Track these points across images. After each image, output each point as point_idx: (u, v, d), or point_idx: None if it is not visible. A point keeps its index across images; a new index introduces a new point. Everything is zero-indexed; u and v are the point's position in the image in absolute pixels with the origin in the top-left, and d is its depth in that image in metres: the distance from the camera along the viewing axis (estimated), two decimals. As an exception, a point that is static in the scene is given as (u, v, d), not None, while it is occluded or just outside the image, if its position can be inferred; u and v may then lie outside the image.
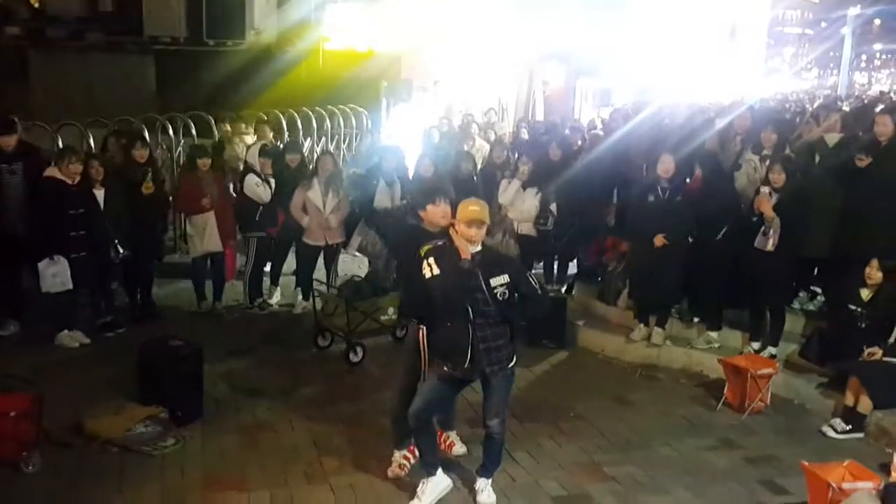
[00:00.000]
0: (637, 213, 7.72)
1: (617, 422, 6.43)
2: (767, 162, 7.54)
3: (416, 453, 5.35)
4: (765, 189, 6.96)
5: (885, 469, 5.02)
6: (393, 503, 5.09)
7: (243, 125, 9.90)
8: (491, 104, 15.99)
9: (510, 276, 4.79)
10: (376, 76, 16.57)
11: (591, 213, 8.87)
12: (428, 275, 4.78)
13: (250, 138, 9.77)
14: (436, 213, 5.14)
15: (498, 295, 4.74)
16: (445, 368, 4.90)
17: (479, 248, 4.81)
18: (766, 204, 6.89)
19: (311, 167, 9.01)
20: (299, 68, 17.52)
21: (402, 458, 5.44)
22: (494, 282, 4.74)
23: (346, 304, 7.43)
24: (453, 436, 5.75)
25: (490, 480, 5.16)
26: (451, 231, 4.85)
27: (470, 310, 4.74)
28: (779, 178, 6.94)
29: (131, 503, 4.97)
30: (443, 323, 4.87)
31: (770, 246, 6.92)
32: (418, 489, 5.05)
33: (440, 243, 4.95)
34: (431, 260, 4.79)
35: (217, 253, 8.56)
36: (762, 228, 6.94)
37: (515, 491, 5.28)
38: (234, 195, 8.88)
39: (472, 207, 4.80)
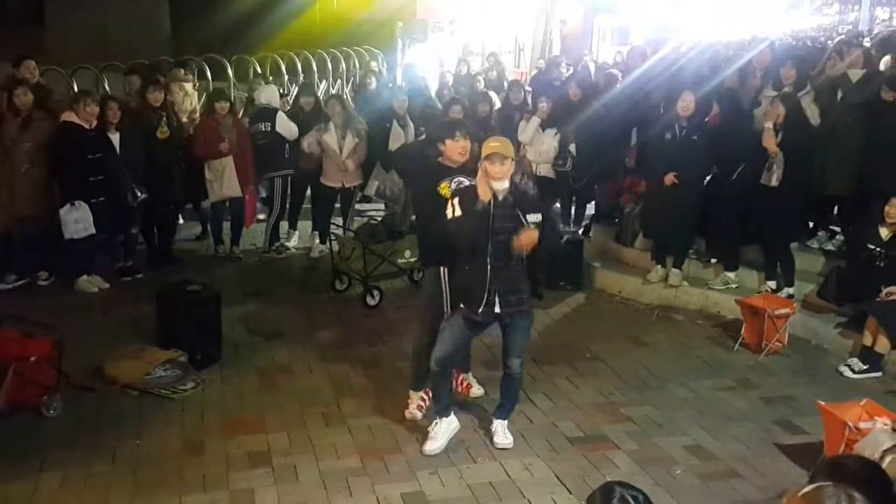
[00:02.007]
0: (653, 152, 7.63)
1: (633, 363, 6.44)
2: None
3: (430, 395, 5.39)
4: (768, 124, 6.84)
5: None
6: (411, 444, 5.14)
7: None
8: (494, 49, 15.64)
9: (543, 216, 4.77)
10: (391, 16, 16.35)
11: (610, 154, 8.76)
12: (449, 216, 4.73)
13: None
14: (455, 148, 5.08)
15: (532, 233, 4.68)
16: (463, 310, 4.90)
17: (506, 185, 4.70)
18: (770, 139, 6.77)
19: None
20: (313, 9, 17.32)
21: (420, 399, 5.49)
22: (532, 218, 4.69)
23: (362, 248, 7.42)
24: (470, 378, 5.78)
25: (507, 422, 5.20)
26: (480, 172, 4.76)
27: (489, 252, 4.71)
28: (778, 112, 6.82)
29: (151, 446, 5.05)
30: (462, 265, 4.86)
31: (774, 181, 6.84)
32: (431, 430, 5.10)
33: (466, 183, 4.91)
34: (456, 201, 4.72)
35: (236, 198, 8.55)
36: (766, 164, 6.84)
37: (533, 432, 5.31)
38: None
39: (493, 143, 4.71)
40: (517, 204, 4.71)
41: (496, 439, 5.14)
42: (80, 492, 4.58)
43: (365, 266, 7.41)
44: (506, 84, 11.26)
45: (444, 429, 5.09)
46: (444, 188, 5.08)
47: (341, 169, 8.53)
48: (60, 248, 7.54)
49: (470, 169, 5.04)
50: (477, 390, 5.74)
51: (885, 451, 4.24)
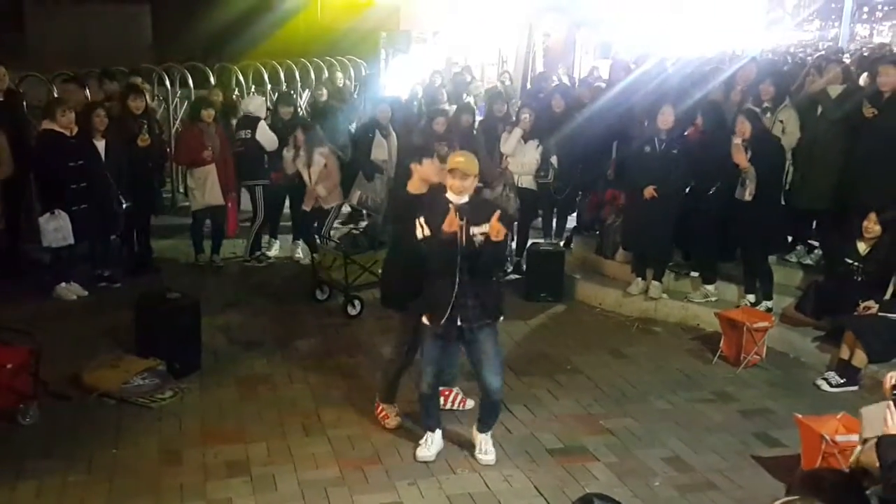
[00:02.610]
0: (633, 165, 7.69)
1: (613, 375, 6.46)
2: (768, 115, 7.47)
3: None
4: (737, 140, 6.93)
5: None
6: (390, 455, 5.13)
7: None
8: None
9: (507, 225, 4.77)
10: (375, 27, 16.37)
11: (591, 167, 8.82)
12: (420, 236, 4.76)
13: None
14: (430, 169, 5.06)
15: (476, 243, 4.68)
16: (429, 323, 4.89)
17: (465, 199, 4.75)
18: (740, 154, 6.85)
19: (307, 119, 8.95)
20: (297, 19, 17.32)
21: (395, 410, 5.52)
22: (476, 230, 4.69)
23: (343, 257, 7.41)
24: (459, 391, 5.76)
25: (490, 435, 5.18)
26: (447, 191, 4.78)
27: (458, 266, 4.71)
28: (744, 128, 6.90)
29: (128, 455, 5.01)
30: (432, 280, 4.85)
31: (747, 196, 6.91)
32: (423, 441, 5.11)
33: (429, 200, 4.95)
34: (422, 220, 4.74)
35: (217, 206, 8.51)
36: (740, 179, 6.92)
37: (512, 443, 5.31)
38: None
39: (457, 158, 4.76)
40: (468, 215, 4.71)
41: (481, 457, 5.10)
42: (57, 501, 4.53)
43: (346, 276, 7.40)
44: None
45: (436, 441, 5.12)
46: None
47: (312, 196, 8.47)
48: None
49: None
50: (470, 402, 5.72)
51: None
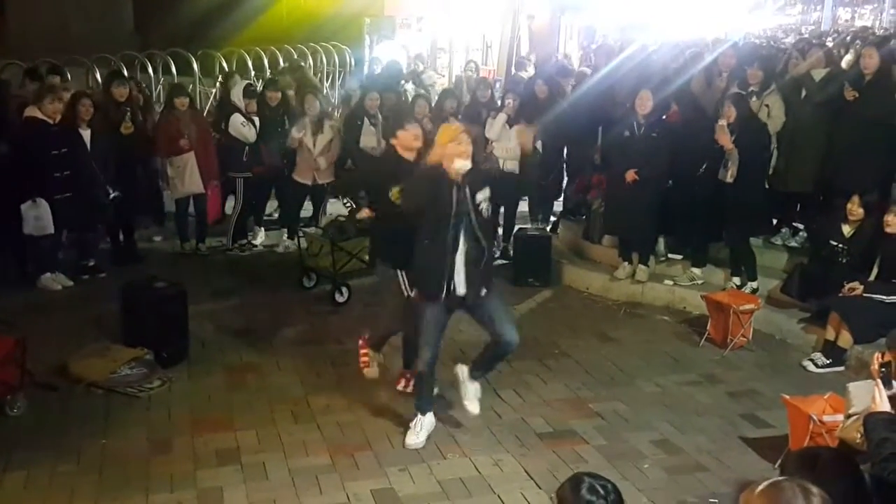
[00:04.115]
0: (613, 149, 7.71)
1: (601, 359, 6.49)
2: (754, 98, 7.49)
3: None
4: (721, 121, 6.95)
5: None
6: (380, 441, 5.13)
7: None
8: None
9: (491, 191, 4.82)
10: (359, 13, 16.28)
11: (577, 151, 8.81)
12: (395, 198, 4.82)
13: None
14: (408, 136, 5.20)
15: (483, 211, 4.75)
16: (430, 300, 4.88)
17: (469, 165, 4.70)
18: (724, 136, 6.88)
19: (294, 105, 8.88)
20: (280, 4, 17.17)
21: (378, 358, 5.63)
22: (480, 196, 4.74)
23: (331, 245, 7.39)
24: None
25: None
26: (443, 163, 4.73)
27: (457, 236, 4.73)
28: (729, 112, 6.93)
29: (117, 445, 4.98)
30: (431, 255, 4.81)
31: (729, 177, 6.94)
32: (414, 424, 5.11)
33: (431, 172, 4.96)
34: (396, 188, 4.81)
35: (199, 194, 8.45)
36: (723, 161, 6.95)
37: (502, 428, 5.33)
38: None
39: (456, 125, 4.82)
40: (469, 182, 4.72)
41: (468, 402, 5.13)
42: (46, 492, 4.51)
43: (333, 263, 7.38)
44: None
45: (426, 424, 5.12)
46: (395, 194, 5.16)
47: (313, 167, 8.48)
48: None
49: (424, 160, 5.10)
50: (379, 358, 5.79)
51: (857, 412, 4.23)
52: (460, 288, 4.84)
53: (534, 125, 4.89)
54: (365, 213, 5.72)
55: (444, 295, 4.83)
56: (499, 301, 5.07)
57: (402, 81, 11.02)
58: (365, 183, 5.97)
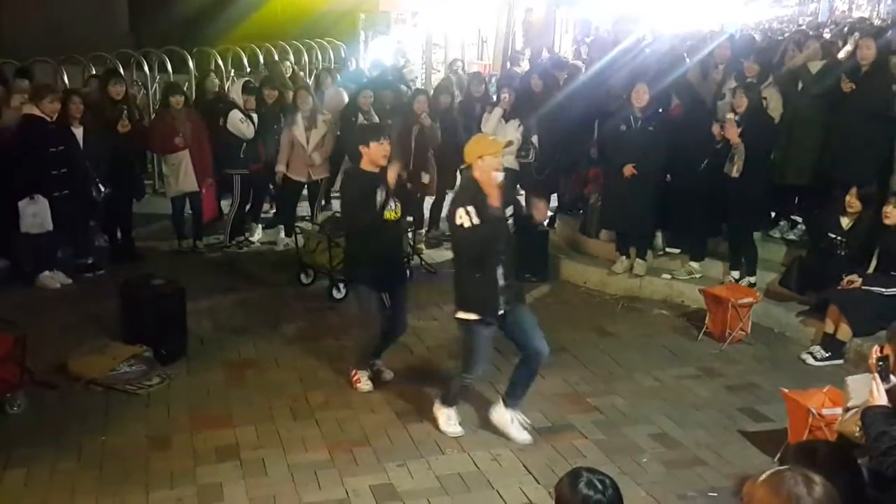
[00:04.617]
0: (610, 144, 7.70)
1: (600, 353, 6.49)
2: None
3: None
4: (730, 115, 6.94)
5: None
6: (379, 437, 5.13)
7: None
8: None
9: (514, 207, 4.87)
10: (354, 8, 16.23)
11: (573, 145, 8.80)
12: (467, 224, 4.61)
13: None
14: (379, 150, 5.23)
15: (509, 226, 4.79)
16: (481, 317, 4.84)
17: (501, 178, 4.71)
18: (732, 130, 6.87)
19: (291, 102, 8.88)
20: (275, 0, 17.11)
21: (368, 374, 5.71)
22: (507, 211, 4.78)
23: (328, 241, 7.38)
24: (380, 363, 5.88)
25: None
26: (476, 173, 4.69)
27: (498, 255, 4.73)
28: (741, 102, 6.92)
29: (117, 442, 4.99)
30: (478, 273, 4.77)
31: (735, 172, 6.93)
32: (448, 418, 5.17)
33: (391, 203, 5.20)
34: (470, 208, 4.60)
35: (194, 192, 8.44)
36: (728, 155, 6.94)
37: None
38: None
39: (491, 139, 4.79)
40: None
41: (515, 433, 5.10)
42: (46, 489, 4.52)
43: (330, 259, 7.37)
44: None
45: (456, 416, 5.18)
46: (387, 214, 5.29)
47: (307, 163, 8.48)
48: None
49: (384, 175, 5.22)
50: (388, 374, 5.87)
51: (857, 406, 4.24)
52: (504, 303, 4.85)
53: (544, 201, 4.95)
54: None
55: (496, 311, 4.83)
56: (529, 314, 5.06)
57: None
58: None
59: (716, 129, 7.08)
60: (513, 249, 4.86)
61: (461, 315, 4.90)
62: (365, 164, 5.34)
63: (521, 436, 5.10)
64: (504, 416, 5.14)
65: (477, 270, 4.76)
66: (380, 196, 5.20)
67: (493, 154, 4.67)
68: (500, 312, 4.86)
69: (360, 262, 5.52)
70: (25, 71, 8.81)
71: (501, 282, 4.78)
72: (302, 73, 12.06)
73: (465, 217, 4.61)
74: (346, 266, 6.06)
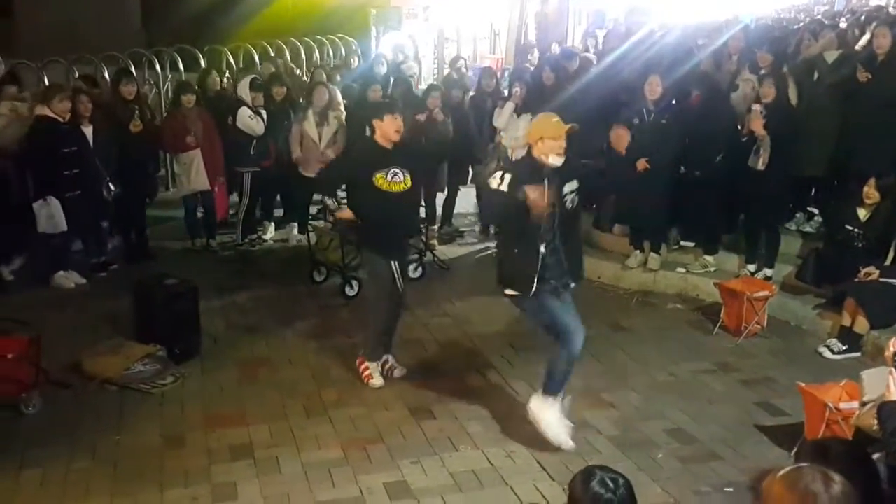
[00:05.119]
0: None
1: (614, 348, 6.46)
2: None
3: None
4: (756, 107, 6.86)
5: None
6: (393, 434, 5.13)
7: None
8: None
9: (579, 181, 4.80)
10: (365, 4, 16.21)
11: (586, 139, 8.70)
12: (493, 185, 4.62)
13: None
14: (392, 125, 5.29)
15: (567, 203, 4.73)
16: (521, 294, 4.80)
17: (562, 161, 4.70)
18: (757, 122, 6.79)
19: (302, 99, 8.87)
20: (285, -4, 17.12)
21: (378, 369, 5.74)
22: (567, 188, 4.73)
23: (340, 238, 7.38)
24: (392, 360, 5.87)
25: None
26: (535, 153, 4.72)
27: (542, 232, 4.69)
28: (769, 91, 6.84)
29: (131, 441, 5.01)
30: (510, 248, 4.79)
31: (761, 164, 6.85)
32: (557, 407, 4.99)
33: (400, 176, 5.28)
34: (507, 176, 4.61)
35: (206, 191, 8.45)
36: (754, 147, 6.86)
37: (514, 419, 5.28)
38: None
39: (555, 121, 4.71)
40: (558, 176, 4.71)
41: (562, 440, 4.96)
42: (61, 488, 4.54)
43: (343, 256, 7.37)
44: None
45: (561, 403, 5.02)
46: (380, 179, 5.31)
47: (320, 159, 8.47)
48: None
49: (401, 150, 5.32)
50: (399, 371, 5.86)
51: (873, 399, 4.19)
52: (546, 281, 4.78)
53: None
54: (346, 214, 5.72)
55: (531, 292, 4.76)
56: (574, 305, 4.98)
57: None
58: (343, 176, 5.97)
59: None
60: (575, 228, 4.87)
61: (508, 291, 4.88)
62: (378, 137, 5.41)
63: (566, 443, 4.96)
64: (552, 413, 4.99)
65: (515, 244, 4.75)
66: (380, 167, 5.33)
67: (553, 137, 4.65)
68: (533, 291, 4.75)
69: (368, 233, 5.60)
70: (14, 76, 8.75)
71: (544, 259, 4.72)
72: (298, 71, 12.02)
73: (496, 180, 4.62)
74: (358, 236, 6.04)
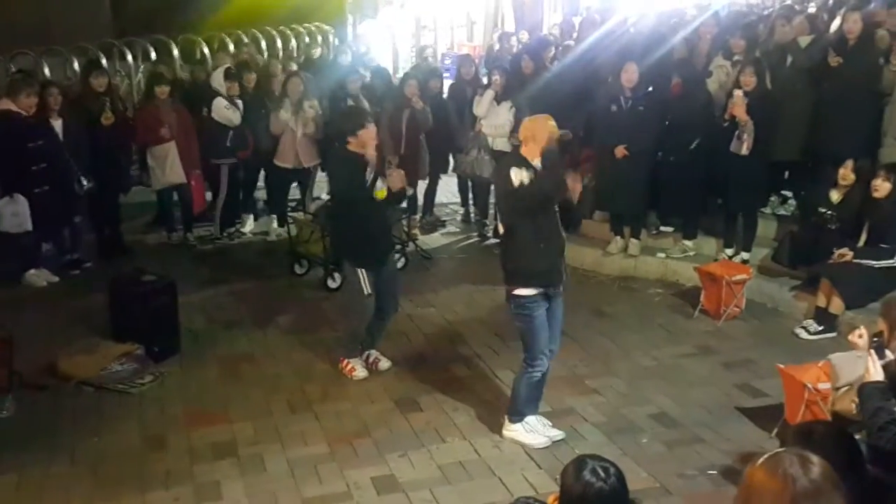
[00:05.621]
0: (601, 124, 7.64)
1: (596, 334, 6.47)
2: (739, 67, 7.41)
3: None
4: (738, 92, 6.88)
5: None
6: (379, 428, 5.10)
7: None
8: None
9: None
10: (340, -9, 16.08)
11: (565, 126, 8.69)
12: (525, 181, 4.56)
13: None
14: (367, 136, 5.33)
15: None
16: (539, 291, 4.72)
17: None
18: (740, 107, 6.80)
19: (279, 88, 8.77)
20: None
21: (362, 362, 5.75)
22: None
23: (321, 230, 7.32)
24: (376, 353, 5.85)
25: None
26: (523, 151, 4.72)
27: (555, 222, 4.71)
28: (750, 80, 6.86)
29: (110, 443, 4.94)
30: (534, 244, 4.68)
31: (745, 150, 6.88)
32: (528, 425, 4.96)
33: (381, 185, 5.35)
34: (521, 169, 4.59)
35: (181, 184, 8.35)
36: (736, 132, 6.88)
37: (502, 410, 5.24)
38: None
39: (550, 123, 4.72)
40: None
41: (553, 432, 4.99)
42: (39, 493, 4.48)
43: (324, 248, 7.31)
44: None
45: (538, 422, 5.01)
46: (381, 193, 5.37)
47: (295, 149, 8.40)
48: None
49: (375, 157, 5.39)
50: (385, 364, 5.84)
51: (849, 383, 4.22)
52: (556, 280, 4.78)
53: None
54: (397, 180, 5.51)
55: (555, 286, 4.76)
56: (561, 307, 4.94)
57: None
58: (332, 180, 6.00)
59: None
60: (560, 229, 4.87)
61: (521, 291, 4.72)
62: (353, 147, 5.41)
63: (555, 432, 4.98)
64: (517, 435, 4.97)
65: (541, 240, 4.67)
66: (369, 174, 5.35)
67: (544, 142, 4.69)
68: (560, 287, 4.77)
69: (350, 241, 5.59)
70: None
71: (562, 251, 4.76)
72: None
73: (519, 174, 4.57)
74: (336, 246, 6.07)
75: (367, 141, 5.37)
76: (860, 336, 3.85)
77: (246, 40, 11.98)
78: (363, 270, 5.52)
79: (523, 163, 4.66)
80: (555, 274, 4.74)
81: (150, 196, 8.85)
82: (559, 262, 4.76)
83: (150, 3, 15.04)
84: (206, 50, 11.60)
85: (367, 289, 5.52)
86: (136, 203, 9.08)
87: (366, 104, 8.71)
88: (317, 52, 12.27)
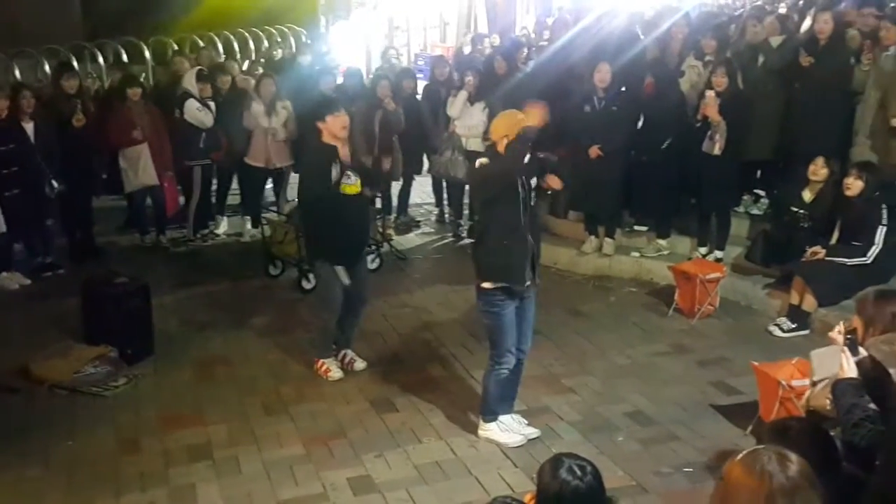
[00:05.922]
0: (574, 124, 7.67)
1: (572, 333, 6.50)
2: (711, 67, 7.49)
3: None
4: (710, 92, 6.94)
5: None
6: (355, 428, 5.09)
7: None
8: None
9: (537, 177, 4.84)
10: (312, -7, 16.03)
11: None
12: (478, 164, 4.68)
13: None
14: (337, 122, 5.28)
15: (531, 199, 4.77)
16: (501, 285, 4.70)
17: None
18: (712, 108, 6.87)
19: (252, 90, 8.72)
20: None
21: (337, 362, 5.75)
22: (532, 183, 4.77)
23: (295, 231, 7.29)
24: (351, 353, 5.84)
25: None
26: (499, 149, 4.69)
27: (525, 221, 4.67)
28: (721, 80, 6.92)
29: (85, 447, 4.90)
30: (499, 240, 4.68)
31: (717, 150, 6.94)
32: (507, 427, 4.96)
33: (353, 179, 5.33)
34: (483, 160, 4.69)
35: (153, 186, 8.28)
36: (708, 133, 6.94)
37: (475, 409, 5.25)
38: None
39: (519, 117, 4.70)
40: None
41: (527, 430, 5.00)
42: (12, 498, 4.42)
43: (299, 249, 7.28)
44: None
45: (513, 421, 5.01)
46: (347, 188, 5.31)
47: (267, 149, 8.36)
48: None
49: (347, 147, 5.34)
50: (360, 364, 5.84)
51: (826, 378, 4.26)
52: (528, 276, 4.77)
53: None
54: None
55: (527, 284, 4.74)
56: (533, 308, 4.94)
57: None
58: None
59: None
60: (538, 224, 4.90)
61: (487, 284, 4.73)
62: (325, 138, 5.37)
63: (532, 430, 5.00)
64: (492, 436, 4.98)
65: (507, 236, 4.67)
66: (335, 171, 5.27)
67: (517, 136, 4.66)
68: (527, 284, 4.75)
69: (319, 238, 5.57)
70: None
71: (531, 252, 4.74)
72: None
73: (482, 160, 4.73)
74: (305, 242, 6.04)
75: (335, 129, 5.30)
76: (840, 332, 3.89)
77: (202, 44, 11.87)
78: (339, 267, 5.50)
79: (496, 156, 4.68)
80: (518, 272, 4.71)
81: (121, 199, 8.77)
82: (525, 263, 4.72)
83: (120, 4, 14.89)
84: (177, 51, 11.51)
85: (346, 280, 5.51)
86: (108, 206, 9.02)
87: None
88: (278, 53, 12.24)
